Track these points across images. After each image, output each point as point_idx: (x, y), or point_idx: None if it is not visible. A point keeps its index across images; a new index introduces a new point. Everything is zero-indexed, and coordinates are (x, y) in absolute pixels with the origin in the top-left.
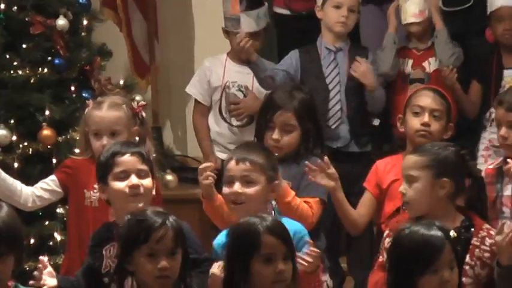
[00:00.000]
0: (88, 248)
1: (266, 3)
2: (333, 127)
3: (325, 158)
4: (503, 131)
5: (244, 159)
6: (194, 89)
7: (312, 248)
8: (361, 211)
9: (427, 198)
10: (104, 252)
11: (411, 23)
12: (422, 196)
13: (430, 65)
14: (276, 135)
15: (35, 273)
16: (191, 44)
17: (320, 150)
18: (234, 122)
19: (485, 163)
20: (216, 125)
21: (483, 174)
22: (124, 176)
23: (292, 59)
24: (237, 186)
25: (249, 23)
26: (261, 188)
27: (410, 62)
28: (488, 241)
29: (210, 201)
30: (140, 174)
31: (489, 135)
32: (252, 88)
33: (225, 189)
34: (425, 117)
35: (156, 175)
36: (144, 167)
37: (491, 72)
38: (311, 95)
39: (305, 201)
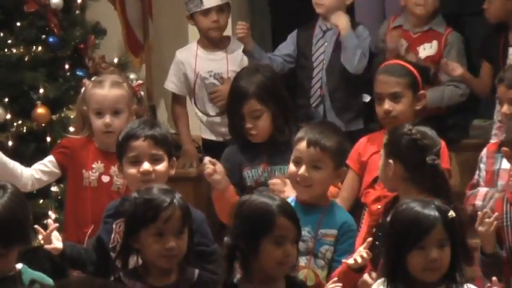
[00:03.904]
0: (102, 219)
1: None
2: (313, 105)
3: None
4: (505, 108)
5: (316, 144)
6: (172, 84)
7: (365, 250)
8: (344, 195)
9: (383, 178)
10: (114, 226)
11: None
12: (381, 174)
13: (425, 50)
14: (249, 124)
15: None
16: (185, 21)
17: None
18: (211, 112)
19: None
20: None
21: (484, 150)
22: (136, 160)
23: (289, 43)
24: (303, 170)
25: None
26: (327, 174)
27: (405, 44)
28: None
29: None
30: (154, 159)
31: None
32: (227, 74)
33: (291, 168)
34: (386, 104)
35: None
36: (158, 151)
37: (498, 51)
38: (271, 73)
39: None
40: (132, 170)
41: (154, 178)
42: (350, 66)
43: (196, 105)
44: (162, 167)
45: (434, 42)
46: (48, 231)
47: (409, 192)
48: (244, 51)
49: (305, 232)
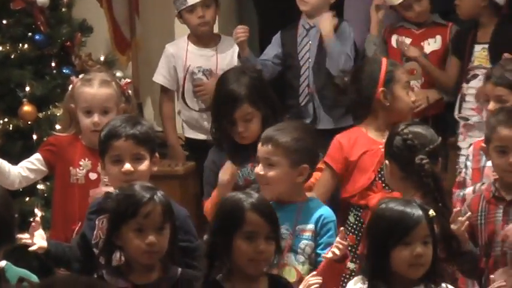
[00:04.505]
0: (86, 216)
1: None
2: (302, 104)
3: None
4: (491, 105)
5: (269, 140)
6: (161, 77)
7: (340, 240)
8: (320, 191)
9: (386, 177)
10: (96, 222)
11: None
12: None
13: (429, 45)
14: (241, 128)
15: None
16: (172, 19)
17: None
18: (196, 107)
19: (464, 140)
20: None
21: (471, 148)
22: (118, 159)
23: (274, 45)
24: (259, 168)
25: None
26: (282, 172)
27: (408, 40)
28: None
29: None
30: (135, 158)
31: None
32: (216, 71)
33: (255, 168)
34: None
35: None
36: (139, 149)
37: (466, 47)
38: (257, 73)
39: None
40: (114, 169)
41: (135, 177)
42: (334, 71)
43: (183, 100)
44: (143, 166)
45: (438, 37)
46: (30, 230)
47: (408, 191)
48: (239, 57)
49: (283, 229)
